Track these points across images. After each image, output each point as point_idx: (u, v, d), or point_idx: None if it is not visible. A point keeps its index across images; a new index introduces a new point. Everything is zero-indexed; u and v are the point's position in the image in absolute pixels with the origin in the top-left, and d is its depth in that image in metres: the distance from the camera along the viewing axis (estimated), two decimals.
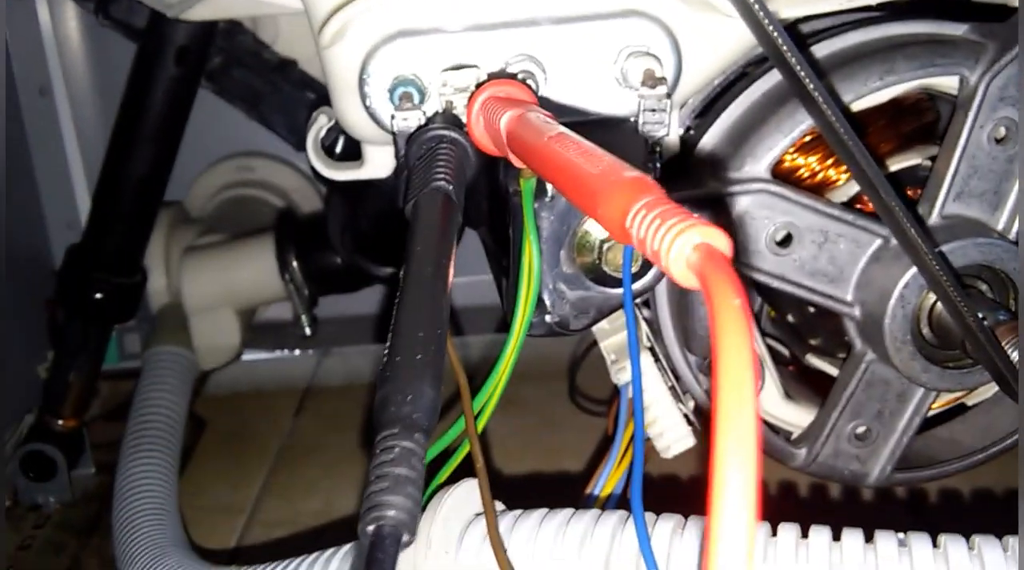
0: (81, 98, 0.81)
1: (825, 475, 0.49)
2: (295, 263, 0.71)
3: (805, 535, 0.33)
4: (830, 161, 0.47)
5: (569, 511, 0.34)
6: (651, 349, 0.51)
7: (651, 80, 0.37)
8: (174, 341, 0.71)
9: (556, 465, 0.68)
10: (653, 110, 0.37)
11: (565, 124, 0.30)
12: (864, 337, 0.46)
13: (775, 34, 0.33)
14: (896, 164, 0.47)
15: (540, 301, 0.41)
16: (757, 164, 0.44)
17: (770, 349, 0.51)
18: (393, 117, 0.37)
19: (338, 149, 0.51)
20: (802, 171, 0.47)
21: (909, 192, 0.48)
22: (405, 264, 0.27)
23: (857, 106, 0.44)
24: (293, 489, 0.68)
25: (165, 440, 0.62)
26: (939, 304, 0.43)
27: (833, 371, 0.50)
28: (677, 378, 0.50)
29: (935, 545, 0.33)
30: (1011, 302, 0.44)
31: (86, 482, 0.68)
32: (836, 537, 0.33)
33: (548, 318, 0.43)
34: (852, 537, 0.33)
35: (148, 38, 0.56)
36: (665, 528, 0.32)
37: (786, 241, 0.44)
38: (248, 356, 0.84)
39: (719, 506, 0.13)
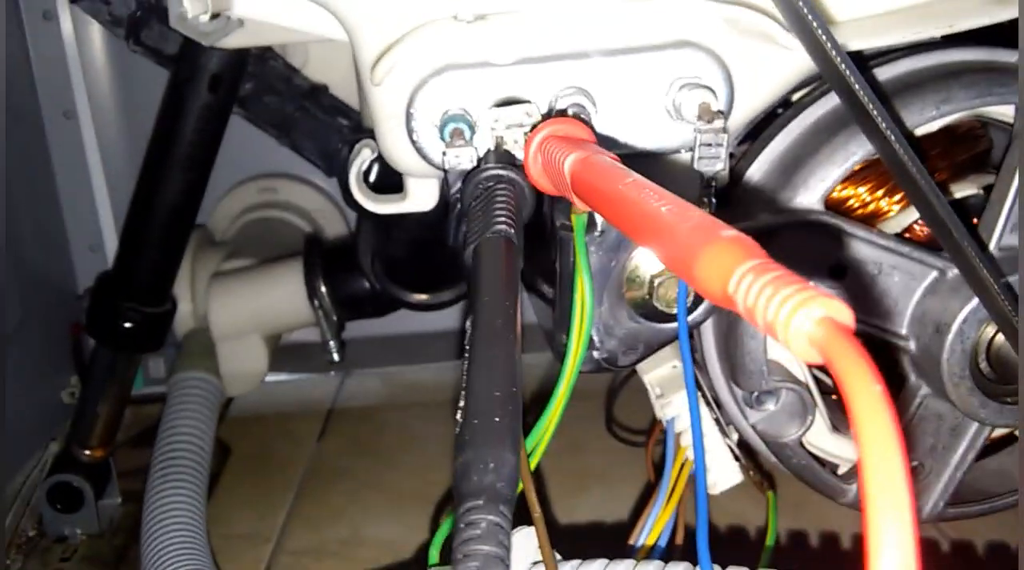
0: (106, 121, 0.81)
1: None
2: (323, 288, 0.70)
3: None
4: (881, 192, 0.46)
5: (631, 563, 0.33)
6: (696, 383, 0.50)
7: (707, 114, 0.37)
8: (200, 367, 0.70)
9: (584, 490, 0.67)
10: (709, 144, 0.36)
11: (619, 158, 0.29)
12: (919, 371, 0.45)
13: (840, 63, 0.32)
14: (952, 194, 0.46)
15: (589, 338, 0.40)
16: (810, 195, 0.43)
17: (816, 380, 0.50)
18: (445, 154, 0.36)
19: (373, 177, 0.50)
20: (852, 202, 0.46)
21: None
22: (472, 315, 0.26)
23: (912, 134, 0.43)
24: (319, 516, 0.67)
25: (193, 469, 0.61)
26: (998, 338, 0.42)
27: None
28: (721, 410, 0.49)
29: None
30: None
31: (112, 512, 0.67)
32: None
33: (596, 354, 0.42)
34: None
35: (181, 65, 0.55)
36: None
37: (839, 273, 0.43)
38: (270, 378, 0.83)
39: None
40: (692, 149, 0.37)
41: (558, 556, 0.34)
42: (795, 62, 0.40)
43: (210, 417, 0.67)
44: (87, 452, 0.64)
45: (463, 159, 0.36)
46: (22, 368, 0.68)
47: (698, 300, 0.41)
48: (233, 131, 0.62)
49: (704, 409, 0.48)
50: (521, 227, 0.31)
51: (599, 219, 0.38)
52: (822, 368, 0.53)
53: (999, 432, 0.50)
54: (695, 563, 0.33)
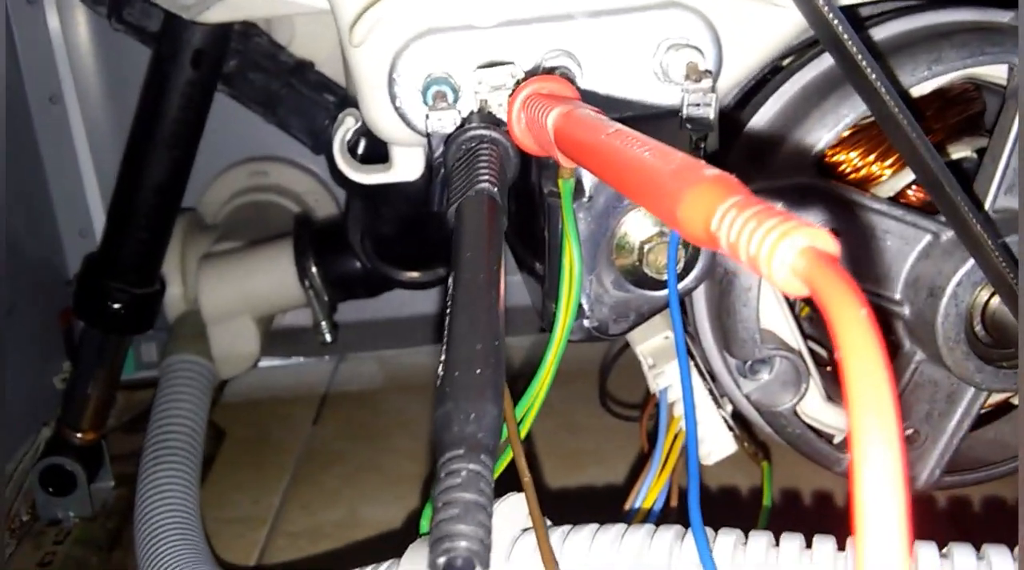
0: (92, 105, 0.80)
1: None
2: (314, 269, 0.69)
3: (841, 548, 0.32)
4: (872, 156, 0.46)
5: (621, 527, 0.32)
6: (687, 351, 0.49)
7: (695, 74, 0.36)
8: (192, 350, 0.69)
9: (579, 470, 0.67)
10: (698, 105, 0.36)
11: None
12: (913, 336, 0.44)
13: (833, 19, 0.32)
14: (945, 156, 0.46)
15: (579, 305, 0.39)
16: (800, 159, 0.42)
17: (809, 350, 0.50)
18: (428, 117, 0.35)
19: (360, 150, 0.50)
20: (844, 166, 0.46)
21: None
22: (454, 272, 0.26)
23: None
24: (315, 499, 0.67)
25: (186, 451, 0.61)
26: (993, 301, 0.41)
27: None
28: (715, 381, 0.49)
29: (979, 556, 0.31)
30: None
31: (106, 495, 0.66)
32: None
33: (586, 323, 0.41)
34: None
35: (163, 42, 0.54)
36: (726, 543, 0.30)
37: None
38: (264, 363, 0.82)
39: (869, 547, 0.12)
40: (680, 111, 0.37)
41: (549, 522, 0.34)
42: (785, 20, 0.39)
43: (202, 400, 0.67)
44: (79, 435, 0.63)
45: (446, 122, 0.35)
46: (13, 354, 0.67)
47: (688, 267, 0.40)
48: (223, 114, 0.61)
49: (697, 380, 0.48)
50: (505, 186, 0.31)
51: (587, 185, 0.38)
52: (814, 338, 0.53)
53: (994, 399, 0.49)
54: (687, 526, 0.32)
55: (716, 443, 0.47)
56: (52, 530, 0.63)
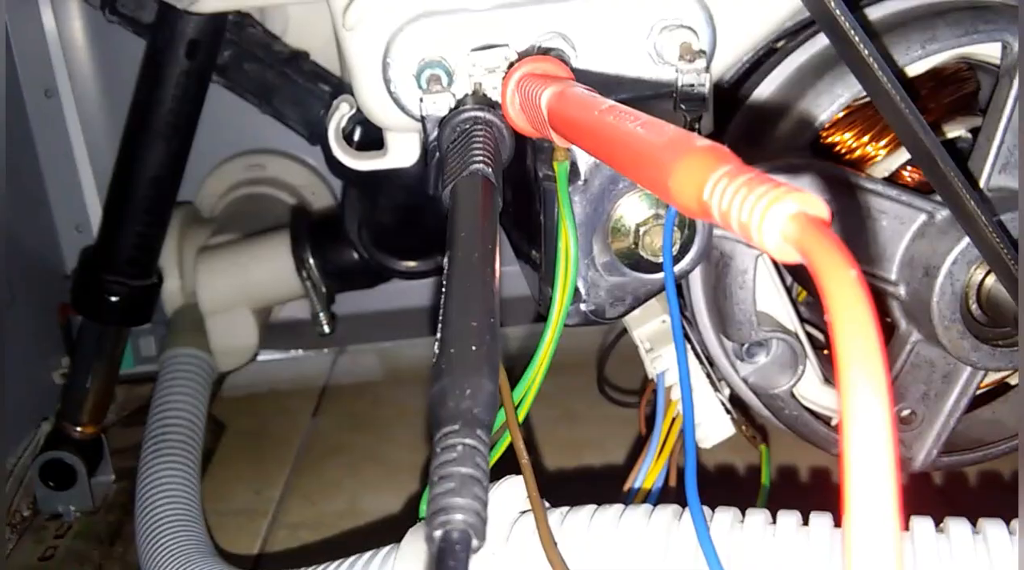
0: (88, 98, 0.80)
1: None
2: (312, 260, 0.69)
3: (838, 524, 0.32)
4: (867, 137, 0.46)
5: (619, 507, 0.32)
6: (684, 336, 0.49)
7: (689, 54, 0.36)
8: (191, 343, 0.69)
9: (578, 458, 0.67)
10: (692, 85, 0.35)
11: None
12: (909, 317, 0.44)
13: None
14: (939, 136, 0.46)
15: (575, 289, 0.39)
16: (795, 140, 0.42)
17: (806, 333, 0.50)
18: (422, 100, 0.35)
19: (356, 138, 0.50)
20: (839, 147, 0.46)
21: None
22: (449, 251, 0.26)
23: None
24: (315, 490, 0.67)
25: (186, 444, 0.61)
26: (988, 280, 0.41)
27: None
28: (712, 365, 0.49)
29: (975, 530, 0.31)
30: None
31: (106, 489, 0.67)
32: None
33: (583, 307, 0.41)
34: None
35: (157, 32, 0.54)
36: (723, 521, 0.30)
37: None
38: (264, 356, 0.82)
39: (857, 518, 0.12)
40: (675, 92, 0.37)
41: (547, 504, 0.34)
42: (779, 1, 0.39)
43: (202, 392, 0.67)
44: (78, 428, 0.63)
45: (440, 105, 0.35)
46: (12, 350, 0.67)
47: (684, 249, 0.40)
48: (219, 107, 0.61)
49: (695, 363, 0.48)
50: (500, 167, 0.31)
51: (582, 168, 0.38)
52: (811, 321, 0.53)
53: (991, 379, 0.49)
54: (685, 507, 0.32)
55: (714, 426, 0.47)
56: (53, 524, 0.64)
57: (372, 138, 0.46)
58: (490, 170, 0.29)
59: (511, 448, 0.36)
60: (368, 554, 0.37)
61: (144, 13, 0.58)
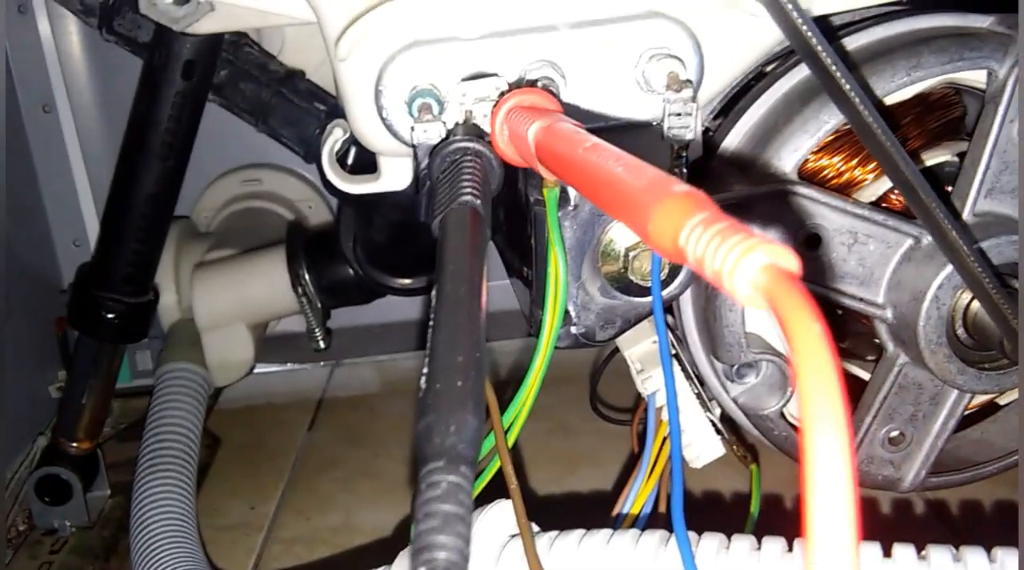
0: (85, 114, 0.80)
1: (858, 482, 0.48)
2: (307, 276, 0.70)
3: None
4: (855, 161, 0.46)
5: (607, 532, 0.33)
6: (675, 356, 0.50)
7: (676, 83, 0.36)
8: (187, 358, 0.70)
9: (571, 472, 0.67)
10: (679, 114, 0.36)
11: (590, 131, 0.29)
12: (896, 340, 0.45)
13: (806, 30, 0.32)
14: (924, 161, 0.46)
15: (565, 312, 0.40)
16: (783, 165, 0.43)
17: None
18: (413, 129, 0.36)
19: (350, 160, 0.50)
20: (827, 171, 0.46)
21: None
22: (437, 284, 0.26)
23: (884, 102, 0.43)
24: (310, 505, 0.68)
25: (181, 459, 0.61)
26: (974, 304, 0.42)
27: (862, 374, 0.49)
28: (703, 385, 0.49)
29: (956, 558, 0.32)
30: None
31: (102, 504, 0.67)
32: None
33: (574, 329, 0.42)
34: (869, 548, 0.32)
35: (154, 52, 0.55)
36: (709, 547, 0.31)
37: (814, 243, 0.43)
38: (259, 369, 0.83)
39: (818, 558, 0.12)
40: (662, 120, 0.37)
41: (536, 528, 0.34)
42: (765, 30, 0.39)
43: (197, 407, 0.67)
44: (74, 444, 0.64)
45: (432, 134, 0.36)
46: (9, 363, 0.67)
47: (673, 273, 0.41)
48: (214, 122, 0.62)
49: (685, 384, 0.49)
50: (489, 198, 0.31)
51: (571, 194, 0.38)
52: None
53: (979, 400, 0.50)
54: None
55: (704, 446, 0.48)
56: (48, 539, 0.64)
57: (366, 159, 0.47)
58: (479, 202, 0.29)
59: (501, 470, 0.37)
60: None
61: (141, 33, 0.58)
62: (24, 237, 0.77)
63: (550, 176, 0.32)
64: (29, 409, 0.72)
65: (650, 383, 0.47)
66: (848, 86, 0.33)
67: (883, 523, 0.58)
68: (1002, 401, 0.51)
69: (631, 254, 0.40)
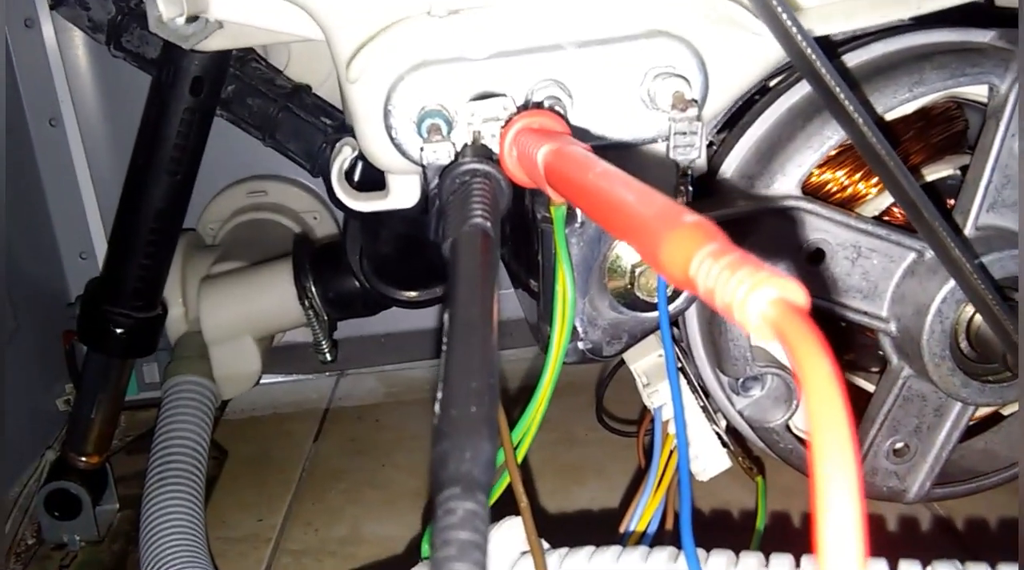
0: (91, 127, 0.81)
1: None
2: (314, 289, 0.70)
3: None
4: (858, 175, 0.46)
5: (617, 548, 0.33)
6: (681, 369, 0.50)
7: (681, 103, 0.37)
8: (194, 371, 0.70)
9: (577, 483, 0.68)
10: (684, 133, 0.36)
11: (595, 149, 0.29)
12: (900, 353, 0.45)
13: (808, 49, 0.33)
14: (927, 175, 0.47)
15: (572, 328, 0.40)
16: (787, 180, 0.43)
17: None
18: (422, 150, 0.36)
19: (357, 175, 0.51)
20: (830, 186, 0.47)
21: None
22: (449, 308, 0.27)
23: (886, 117, 0.43)
24: (317, 516, 0.68)
25: (190, 472, 0.62)
26: (977, 318, 0.42)
27: (867, 386, 0.50)
28: (708, 397, 0.50)
29: None
30: None
31: (111, 518, 0.67)
32: None
33: (581, 345, 0.42)
34: (876, 565, 0.32)
35: (162, 69, 0.55)
36: (718, 564, 0.31)
37: (818, 257, 0.43)
38: (267, 379, 0.83)
39: None
40: (667, 138, 0.38)
41: (546, 545, 0.35)
42: (768, 48, 0.40)
43: (205, 420, 0.67)
44: (83, 459, 0.64)
45: (441, 154, 0.36)
46: (16, 377, 0.68)
47: (678, 289, 0.41)
48: (221, 134, 0.62)
49: (691, 397, 0.49)
50: (498, 220, 0.32)
51: (578, 211, 0.39)
52: None
53: (983, 411, 0.50)
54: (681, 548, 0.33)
55: (711, 459, 0.48)
56: (58, 554, 0.64)
57: (373, 176, 0.47)
58: (488, 224, 0.30)
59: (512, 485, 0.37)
60: None
61: (149, 49, 0.59)
62: (31, 249, 0.78)
63: (558, 198, 0.32)
64: (36, 422, 0.72)
65: (656, 396, 0.48)
66: (850, 105, 0.33)
67: (888, 538, 0.58)
68: (1006, 412, 0.52)
69: (637, 270, 0.40)
